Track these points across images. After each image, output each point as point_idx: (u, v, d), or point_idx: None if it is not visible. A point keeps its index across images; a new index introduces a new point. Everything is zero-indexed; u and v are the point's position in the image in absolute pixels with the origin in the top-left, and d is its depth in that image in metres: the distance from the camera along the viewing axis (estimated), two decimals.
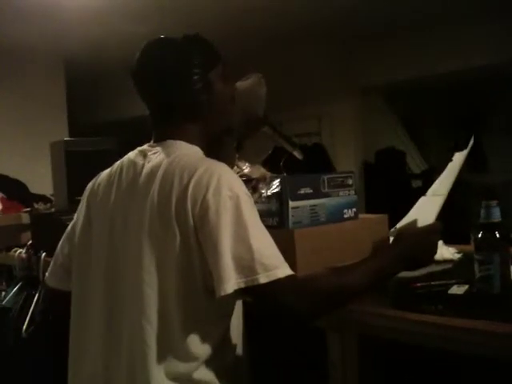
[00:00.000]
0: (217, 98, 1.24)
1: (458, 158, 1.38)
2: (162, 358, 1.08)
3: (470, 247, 1.24)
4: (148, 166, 1.16)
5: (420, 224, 1.29)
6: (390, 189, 5.30)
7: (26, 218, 2.61)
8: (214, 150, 1.25)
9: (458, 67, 4.78)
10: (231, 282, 1.01)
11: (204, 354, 1.11)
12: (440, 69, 4.89)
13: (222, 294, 1.01)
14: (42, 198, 3.07)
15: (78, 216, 1.29)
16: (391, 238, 1.34)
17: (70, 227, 1.33)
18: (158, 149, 1.20)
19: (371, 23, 4.52)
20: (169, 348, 1.09)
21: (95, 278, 1.19)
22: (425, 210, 1.33)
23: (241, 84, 1.51)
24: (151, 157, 1.18)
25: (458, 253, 1.68)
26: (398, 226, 1.33)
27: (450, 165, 1.38)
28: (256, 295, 1.06)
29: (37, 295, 2.05)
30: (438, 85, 5.64)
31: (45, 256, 2.06)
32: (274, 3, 3.94)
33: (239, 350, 1.21)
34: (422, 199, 1.37)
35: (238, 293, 1.03)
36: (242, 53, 4.04)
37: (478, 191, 4.57)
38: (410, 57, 5.00)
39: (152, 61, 1.23)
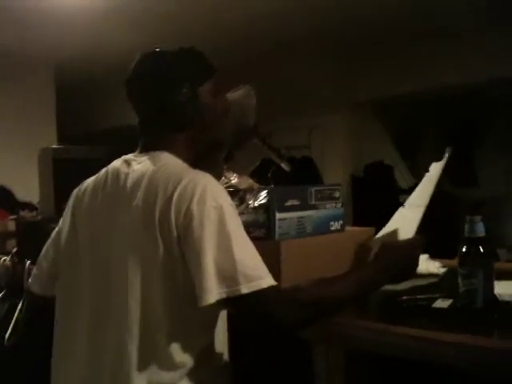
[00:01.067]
0: (206, 111, 1.24)
1: (435, 168, 1.39)
2: (144, 367, 1.07)
3: (455, 261, 1.25)
4: (132, 176, 1.16)
5: (400, 235, 1.30)
6: (378, 203, 5.32)
7: (11, 226, 2.59)
8: (202, 161, 1.25)
9: (450, 82, 4.82)
10: (213, 292, 1.01)
11: (188, 364, 1.10)
12: (433, 84, 4.92)
13: (204, 304, 1.01)
14: (28, 206, 3.05)
15: (64, 223, 1.28)
16: (373, 250, 1.35)
17: (54, 233, 1.33)
18: (143, 158, 1.20)
19: (365, 38, 4.57)
20: (152, 357, 1.08)
21: (81, 286, 1.19)
22: (404, 222, 1.34)
23: (230, 95, 1.52)
24: (136, 166, 1.18)
25: (443, 267, 1.69)
26: (378, 236, 1.34)
27: (427, 175, 1.39)
28: (238, 306, 1.06)
29: (20, 304, 2.03)
30: (429, 100, 5.69)
31: (29, 264, 2.04)
32: (270, 16, 3.97)
33: (224, 360, 1.21)
34: (400, 210, 1.38)
35: (221, 303, 1.03)
36: (235, 63, 4.05)
37: (467, 206, 4.61)
38: (402, 72, 5.03)
39: (143, 71, 1.25)
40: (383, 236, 1.34)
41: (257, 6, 3.80)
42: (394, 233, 1.29)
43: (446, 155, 1.39)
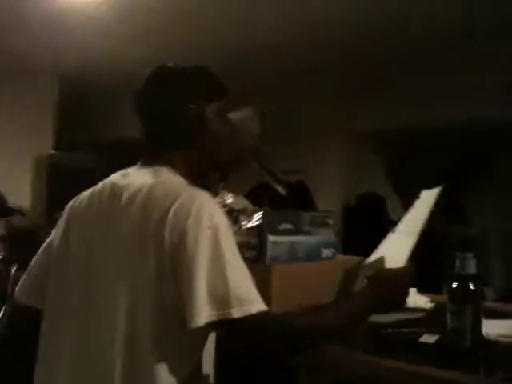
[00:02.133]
0: (210, 132, 1.24)
1: (426, 196, 1.38)
2: None
3: (443, 297, 1.25)
4: (129, 190, 1.15)
5: (390, 262, 1.29)
6: (369, 232, 5.33)
7: (1, 231, 2.57)
8: (199, 180, 1.25)
9: (445, 119, 4.88)
10: (203, 314, 0.99)
11: None
12: (428, 120, 4.98)
13: (194, 326, 0.99)
14: (18, 211, 3.03)
15: (57, 233, 1.26)
16: (359, 276, 1.34)
17: (46, 243, 1.31)
18: (143, 172, 1.19)
19: (363, 71, 4.62)
20: (136, 377, 1.05)
21: (69, 300, 1.17)
22: (395, 248, 1.32)
23: (232, 116, 1.53)
24: (134, 180, 1.17)
25: (431, 302, 1.69)
26: (366, 262, 1.32)
27: (417, 202, 1.38)
28: (228, 329, 1.04)
29: (2, 310, 2.00)
30: (424, 136, 5.74)
31: (15, 270, 2.02)
32: (271, 45, 4.01)
33: (210, 383, 1.18)
34: (391, 236, 1.37)
35: (211, 326, 1.01)
36: (238, 87, 4.09)
37: (456, 244, 4.62)
38: (398, 106, 5.09)
39: (151, 86, 1.25)
40: (372, 263, 1.33)
41: (262, 35, 3.85)
42: (382, 259, 1.28)
43: (440, 188, 1.38)
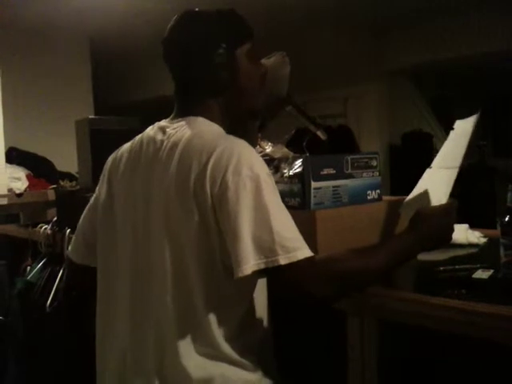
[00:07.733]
0: (241, 76, 1.21)
1: (462, 126, 1.31)
2: (188, 334, 1.08)
3: (496, 232, 1.22)
4: (167, 143, 1.15)
5: (432, 199, 1.24)
6: (416, 172, 5.22)
7: (51, 195, 2.64)
8: (236, 130, 1.23)
9: (488, 50, 4.67)
10: (250, 263, 1.00)
11: (228, 332, 1.10)
12: (469, 51, 4.78)
13: (241, 275, 1.00)
14: (68, 176, 3.11)
15: (100, 191, 1.29)
16: (401, 214, 1.30)
17: (91, 201, 1.34)
18: (178, 125, 1.18)
19: (400, 6, 4.43)
20: (194, 325, 1.08)
21: (121, 253, 1.20)
22: (434, 184, 1.27)
23: (264, 62, 1.49)
24: (171, 133, 1.17)
25: (484, 237, 1.65)
26: (407, 200, 1.28)
27: (452, 133, 1.31)
28: (275, 276, 1.04)
29: (61, 271, 2.08)
30: (466, 67, 5.52)
31: (69, 233, 2.08)
32: None
33: (264, 328, 1.20)
34: (428, 172, 1.32)
35: (257, 274, 1.02)
36: (269, 31, 3.98)
37: (506, 177, 4.48)
38: (438, 39, 4.90)
39: (179, 32, 1.22)
40: (411, 200, 1.28)
41: None
42: (423, 196, 1.24)
43: (477, 115, 1.30)
